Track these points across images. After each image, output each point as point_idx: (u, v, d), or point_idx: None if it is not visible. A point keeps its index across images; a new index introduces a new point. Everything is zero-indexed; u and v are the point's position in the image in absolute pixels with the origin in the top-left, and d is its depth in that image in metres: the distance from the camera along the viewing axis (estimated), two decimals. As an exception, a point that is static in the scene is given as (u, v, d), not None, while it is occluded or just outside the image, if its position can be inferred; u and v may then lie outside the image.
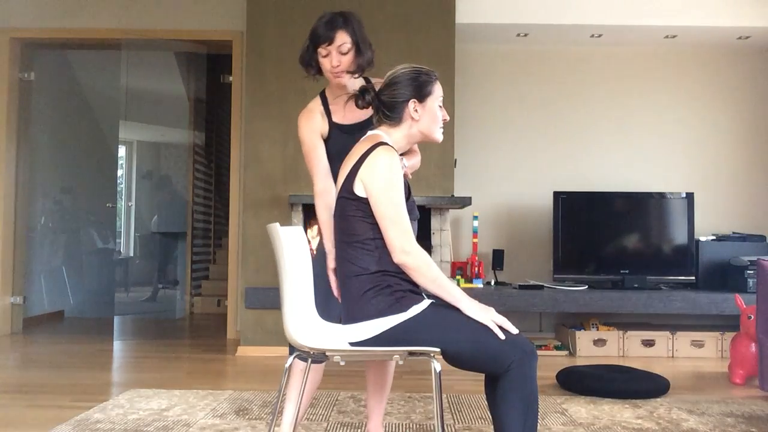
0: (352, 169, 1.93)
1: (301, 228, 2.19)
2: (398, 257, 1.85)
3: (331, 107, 2.35)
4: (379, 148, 1.91)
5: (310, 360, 2.04)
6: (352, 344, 1.90)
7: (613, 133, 5.21)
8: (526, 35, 4.98)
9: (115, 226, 7.49)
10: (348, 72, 2.27)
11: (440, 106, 2.04)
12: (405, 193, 2.04)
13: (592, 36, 4.98)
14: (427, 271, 1.84)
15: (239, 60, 5.13)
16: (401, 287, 1.89)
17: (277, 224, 1.95)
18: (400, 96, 1.99)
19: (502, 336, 1.79)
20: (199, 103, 6.89)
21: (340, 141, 2.32)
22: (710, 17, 4.72)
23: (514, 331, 1.82)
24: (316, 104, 2.36)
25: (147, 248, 7.43)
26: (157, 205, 7.24)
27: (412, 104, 1.98)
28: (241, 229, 5.00)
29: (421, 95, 1.99)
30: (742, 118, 5.23)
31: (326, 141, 2.34)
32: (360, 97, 2.06)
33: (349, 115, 2.33)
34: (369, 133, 2.05)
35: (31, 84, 5.58)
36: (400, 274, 1.90)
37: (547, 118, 5.22)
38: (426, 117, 2.00)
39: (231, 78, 5.19)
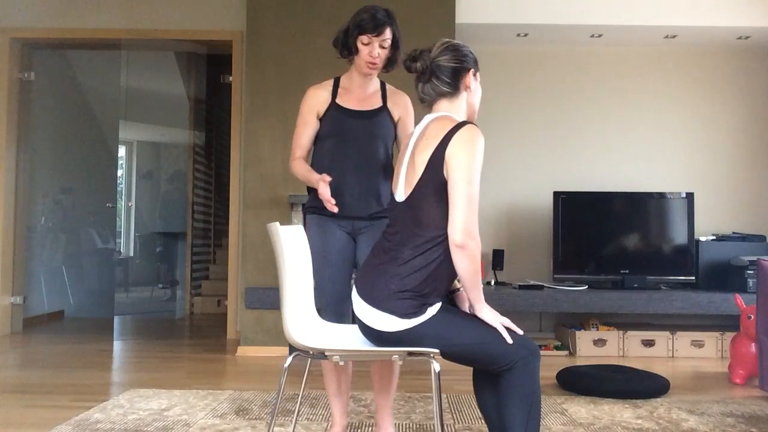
0: (435, 151, 1.81)
1: (301, 227, 2.19)
2: (461, 237, 1.76)
3: (339, 89, 2.44)
4: (468, 126, 1.81)
5: (309, 360, 2.04)
6: (362, 325, 1.89)
7: (613, 133, 5.21)
8: (526, 35, 4.98)
9: (115, 226, 7.49)
10: (380, 66, 2.37)
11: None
12: None
13: (592, 36, 4.98)
14: (477, 261, 1.80)
15: (239, 60, 5.13)
16: (432, 301, 1.84)
17: (277, 224, 1.95)
18: (466, 62, 1.91)
19: (510, 340, 1.78)
20: (199, 103, 6.89)
21: (337, 122, 2.40)
22: (710, 17, 4.72)
23: (520, 332, 1.82)
24: (328, 83, 2.47)
25: (147, 248, 7.43)
26: (157, 205, 7.24)
27: (471, 74, 1.93)
28: (241, 229, 5.00)
29: (477, 67, 1.97)
30: (742, 118, 5.23)
31: (321, 119, 2.43)
32: (411, 61, 1.93)
33: (354, 101, 2.42)
34: (436, 114, 1.92)
35: (31, 84, 5.58)
36: (443, 292, 1.86)
37: (546, 118, 5.22)
38: (477, 91, 1.97)
39: (231, 78, 5.19)
